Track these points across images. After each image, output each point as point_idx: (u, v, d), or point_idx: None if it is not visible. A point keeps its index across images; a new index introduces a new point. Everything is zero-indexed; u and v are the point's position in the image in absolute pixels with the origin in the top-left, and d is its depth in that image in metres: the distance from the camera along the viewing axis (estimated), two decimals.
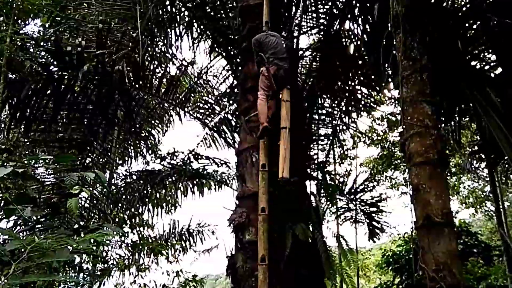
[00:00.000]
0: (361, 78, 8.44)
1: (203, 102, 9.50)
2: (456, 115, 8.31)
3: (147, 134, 9.42)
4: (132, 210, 9.02)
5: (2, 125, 8.63)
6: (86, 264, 7.56)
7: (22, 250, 2.72)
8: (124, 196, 8.82)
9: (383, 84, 8.34)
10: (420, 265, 4.91)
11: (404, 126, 6.08)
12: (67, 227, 4.62)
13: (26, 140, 6.84)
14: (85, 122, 6.91)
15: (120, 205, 8.71)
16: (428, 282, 4.76)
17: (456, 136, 8.66)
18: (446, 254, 4.75)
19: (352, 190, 10.42)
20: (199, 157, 9.48)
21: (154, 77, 7.65)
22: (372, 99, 8.98)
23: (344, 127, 9.20)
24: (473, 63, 7.61)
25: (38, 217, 4.04)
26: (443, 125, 8.20)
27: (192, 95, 9.42)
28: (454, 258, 4.80)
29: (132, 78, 7.12)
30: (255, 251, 4.82)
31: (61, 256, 2.78)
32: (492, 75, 7.25)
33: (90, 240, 2.80)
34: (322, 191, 8.69)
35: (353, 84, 8.53)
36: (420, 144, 5.63)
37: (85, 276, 7.49)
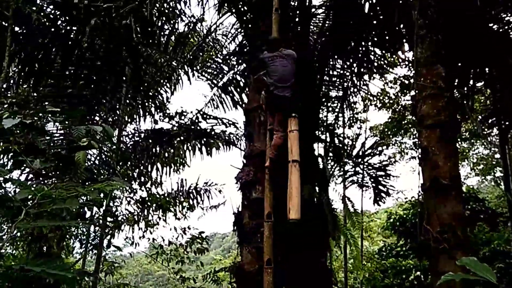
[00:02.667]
0: (375, 39, 8.17)
1: (211, 61, 9.36)
2: (471, 79, 8.10)
3: (155, 93, 9.36)
4: (141, 168, 9.13)
5: (11, 81, 8.63)
6: (96, 219, 7.76)
7: (33, 199, 2.77)
8: (133, 154, 8.91)
9: (397, 46, 8.10)
10: (425, 227, 4.96)
11: (416, 88, 5.96)
12: (76, 180, 4.69)
13: (35, 94, 6.84)
14: (94, 78, 6.86)
15: (129, 163, 8.80)
16: (432, 243, 4.82)
17: (469, 101, 8.49)
18: (452, 216, 4.77)
19: (360, 154, 10.40)
20: (207, 117, 9.47)
21: (162, 33, 7.50)
22: (386, 61, 8.75)
23: (355, 90, 9.02)
24: (491, 25, 7.33)
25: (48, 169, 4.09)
26: (456, 90, 8.02)
27: (201, 54, 9.27)
28: (460, 221, 4.82)
29: (139, 35, 6.99)
30: (261, 208, 4.87)
31: (71, 205, 2.83)
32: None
33: (98, 190, 2.83)
34: (329, 154, 8.68)
35: (366, 44, 8.29)
36: (432, 106, 5.54)
37: (96, 229, 7.71)
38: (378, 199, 9.92)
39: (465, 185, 12.27)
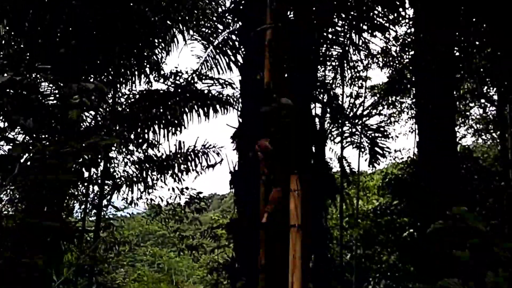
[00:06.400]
0: None
1: (206, 19, 9.12)
2: (471, 36, 7.96)
3: (149, 53, 9.17)
4: (138, 129, 9.10)
5: (3, 41, 8.42)
6: (94, 179, 7.82)
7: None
8: (128, 116, 8.84)
9: (399, 2, 7.89)
10: (420, 184, 5.04)
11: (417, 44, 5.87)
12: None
13: (27, 54, 6.69)
14: (84, 37, 6.69)
15: (125, 124, 8.76)
16: (426, 199, 4.91)
17: (469, 58, 8.39)
18: (447, 172, 4.83)
19: (358, 114, 10.38)
20: (204, 77, 9.34)
21: None
22: (386, 18, 8.54)
23: (356, 48, 8.84)
24: None
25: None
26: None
27: (196, 11, 9.01)
28: (454, 177, 4.90)
29: None
30: (257, 168, 4.88)
31: (66, 161, 2.82)
32: None
33: (93, 146, 2.81)
34: (327, 113, 8.65)
35: (367, 1, 8.05)
36: (431, 65, 5.48)
37: (94, 189, 7.79)
38: (373, 160, 10.00)
39: (460, 144, 12.33)
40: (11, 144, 3.38)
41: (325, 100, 8.35)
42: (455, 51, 7.53)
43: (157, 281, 25.76)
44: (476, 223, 1.71)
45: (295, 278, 4.40)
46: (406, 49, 10.24)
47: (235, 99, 9.47)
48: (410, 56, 10.16)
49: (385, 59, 11.07)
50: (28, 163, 2.50)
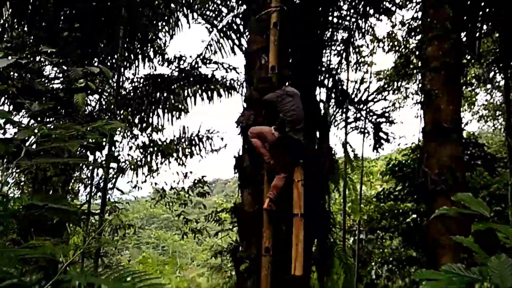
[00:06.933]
0: None
1: (210, 2, 9.02)
2: (478, 21, 7.84)
3: (153, 37, 9.11)
4: (142, 114, 9.10)
5: (6, 25, 8.38)
6: (99, 163, 7.87)
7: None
8: (132, 101, 8.84)
9: None
10: (423, 170, 5.02)
11: (423, 29, 5.77)
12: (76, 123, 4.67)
13: (31, 38, 6.66)
14: (89, 21, 6.64)
15: (129, 108, 8.77)
16: (430, 186, 4.90)
17: (476, 44, 8.27)
18: (451, 159, 4.81)
19: (363, 100, 10.31)
20: (207, 61, 9.29)
21: None
22: (393, 2, 8.42)
23: (361, 32, 8.73)
24: None
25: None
26: (463, 32, 7.77)
27: None
28: (458, 163, 4.87)
29: None
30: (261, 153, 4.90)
31: (72, 146, 2.83)
32: None
33: (98, 131, 2.82)
34: (332, 99, 8.61)
35: None
36: (437, 48, 5.40)
37: (99, 172, 7.84)
38: (377, 146, 9.98)
39: (466, 131, 12.27)
40: (17, 127, 3.40)
41: (329, 85, 8.29)
42: (462, 36, 7.42)
43: (162, 263, 26.12)
44: (480, 209, 1.71)
45: (297, 264, 4.48)
46: (413, 33, 10.12)
47: (239, 84, 9.45)
48: (416, 41, 10.05)
49: (391, 44, 10.96)
50: (34, 146, 2.52)
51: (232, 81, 9.52)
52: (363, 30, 8.64)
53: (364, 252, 13.35)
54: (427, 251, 5.96)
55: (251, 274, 4.85)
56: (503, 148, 13.48)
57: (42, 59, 4.71)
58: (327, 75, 8.64)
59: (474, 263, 1.81)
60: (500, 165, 11.08)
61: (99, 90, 7.32)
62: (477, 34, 8.17)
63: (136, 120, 9.13)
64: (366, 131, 10.50)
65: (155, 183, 9.05)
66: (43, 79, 4.71)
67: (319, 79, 8.09)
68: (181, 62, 9.13)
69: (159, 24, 9.24)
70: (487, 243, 1.81)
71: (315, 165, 6.17)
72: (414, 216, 11.12)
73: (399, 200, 11.70)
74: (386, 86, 11.57)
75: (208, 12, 9.19)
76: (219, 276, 19.48)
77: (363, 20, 8.47)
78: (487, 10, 7.41)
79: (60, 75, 6.10)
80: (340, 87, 8.80)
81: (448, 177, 4.57)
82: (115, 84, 7.95)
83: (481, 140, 12.53)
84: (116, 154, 7.87)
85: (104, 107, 8.48)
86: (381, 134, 9.99)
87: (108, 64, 8.30)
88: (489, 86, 12.82)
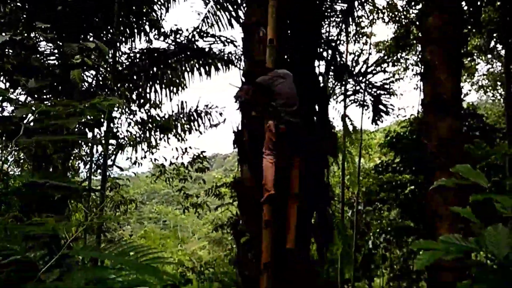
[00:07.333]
0: None
1: None
2: None
3: (148, 10, 8.93)
4: (139, 89, 9.04)
5: None
6: (98, 139, 7.87)
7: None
8: (129, 76, 8.76)
9: None
10: (422, 142, 5.04)
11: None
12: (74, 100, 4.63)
13: (24, 13, 6.52)
14: None
15: (126, 84, 8.70)
16: (429, 158, 4.93)
17: (477, 14, 8.13)
18: (450, 131, 4.81)
19: (362, 72, 10.22)
20: (204, 35, 9.13)
21: None
22: None
23: (360, 2, 8.55)
24: None
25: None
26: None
27: None
28: (457, 136, 4.88)
29: None
30: (261, 127, 4.89)
31: (70, 124, 2.82)
32: None
33: (96, 107, 2.80)
34: (330, 71, 8.52)
35: None
36: (438, 19, 5.32)
37: (98, 149, 7.87)
38: (376, 118, 9.96)
39: (465, 101, 12.25)
40: (14, 105, 3.37)
41: (328, 58, 8.18)
42: (462, 5, 7.28)
43: (164, 238, 26.56)
44: (478, 179, 1.73)
45: (289, 238, 4.59)
46: (413, 3, 9.94)
47: (237, 57, 9.33)
48: (416, 11, 9.88)
49: (390, 14, 10.78)
50: (32, 124, 2.51)
51: (230, 55, 9.42)
52: (363, 0, 8.47)
53: (362, 224, 13.57)
54: (425, 221, 6.05)
55: (251, 247, 4.94)
56: (502, 119, 13.49)
57: (36, 35, 4.64)
58: (326, 47, 8.53)
59: (471, 233, 1.84)
60: (499, 136, 11.11)
61: (96, 66, 7.22)
62: (479, 3, 8.03)
63: (134, 96, 9.08)
64: (365, 103, 10.46)
65: (155, 159, 9.09)
66: (38, 56, 4.64)
67: (318, 52, 7.98)
68: (178, 35, 8.98)
69: None
70: (485, 213, 1.84)
71: (315, 140, 6.17)
72: (412, 187, 11.23)
73: (397, 172, 11.79)
74: (385, 57, 11.46)
75: None
76: (220, 249, 19.87)
77: None
78: None
79: (56, 51, 6.02)
80: (339, 59, 8.70)
81: (447, 150, 4.58)
82: (111, 60, 7.85)
83: (480, 111, 12.53)
84: (114, 130, 7.87)
85: (101, 83, 8.41)
86: (380, 106, 9.95)
87: (104, 39, 8.17)
88: (489, 56, 12.69)
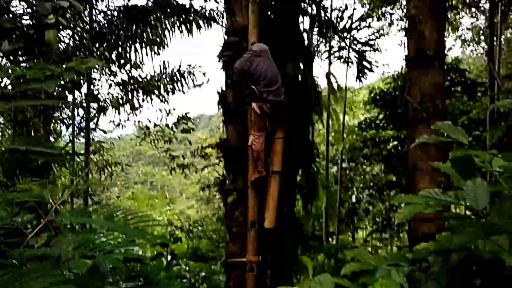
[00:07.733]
0: None
1: None
2: None
3: None
4: (119, 49, 8.76)
5: None
6: (79, 102, 7.70)
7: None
8: (108, 35, 8.45)
9: None
10: (405, 98, 5.07)
11: None
12: (50, 62, 4.48)
13: None
14: None
15: (105, 44, 8.41)
16: (411, 114, 4.98)
17: None
18: (433, 86, 4.83)
19: (347, 28, 10.08)
20: None
21: None
22: None
23: None
24: None
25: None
26: None
27: None
28: (440, 91, 4.91)
29: None
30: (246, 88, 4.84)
31: (48, 87, 2.74)
32: None
33: (74, 70, 2.71)
34: (315, 28, 8.37)
35: None
36: None
37: (80, 111, 7.71)
38: (361, 75, 9.94)
39: (448, 56, 12.27)
40: None
41: (313, 13, 8.01)
42: None
43: (152, 198, 26.81)
44: (458, 136, 1.76)
45: (267, 215, 4.58)
46: None
47: (219, 14, 9.07)
48: None
49: None
50: (10, 88, 2.43)
51: (211, 12, 9.14)
52: None
53: (346, 179, 13.89)
54: (407, 176, 6.21)
55: (238, 205, 5.03)
56: (484, 73, 13.61)
57: None
58: (310, 2, 8.32)
59: (451, 187, 1.90)
60: (481, 90, 11.26)
61: (71, 26, 6.93)
62: None
63: (114, 56, 8.81)
64: (349, 60, 10.40)
65: (139, 121, 8.98)
66: (10, 16, 4.39)
67: (302, 7, 7.79)
68: None
69: None
70: (464, 167, 1.89)
71: (300, 97, 6.15)
72: (395, 142, 11.45)
73: (380, 128, 11.96)
74: (370, 12, 11.26)
75: None
76: (208, 208, 20.22)
77: None
78: None
79: (29, 10, 5.73)
80: (323, 15, 8.52)
81: (429, 105, 4.63)
82: (87, 18, 7.53)
83: (463, 66, 12.60)
84: (95, 93, 7.69)
85: (78, 43, 8.11)
86: (364, 63, 9.92)
87: None
88: (473, 9, 12.60)
